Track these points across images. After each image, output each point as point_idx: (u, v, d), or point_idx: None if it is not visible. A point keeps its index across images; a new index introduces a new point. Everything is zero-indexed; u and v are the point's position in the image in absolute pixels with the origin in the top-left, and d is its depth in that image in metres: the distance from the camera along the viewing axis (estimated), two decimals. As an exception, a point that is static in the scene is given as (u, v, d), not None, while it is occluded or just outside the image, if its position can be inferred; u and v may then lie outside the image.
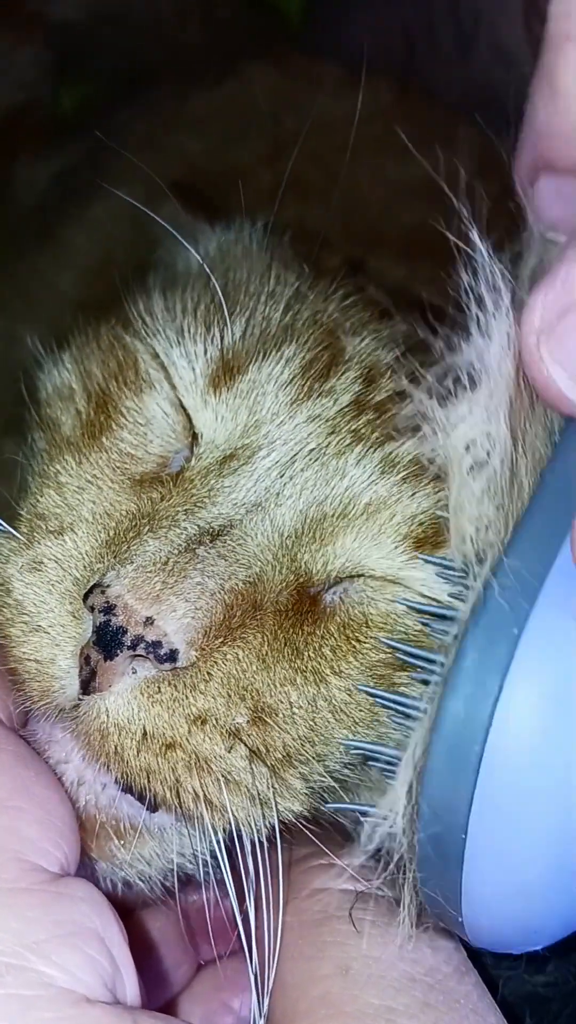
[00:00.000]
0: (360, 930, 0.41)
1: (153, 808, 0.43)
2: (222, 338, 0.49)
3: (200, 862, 0.44)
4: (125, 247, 0.77)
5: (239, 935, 0.43)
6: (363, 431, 0.47)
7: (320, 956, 0.40)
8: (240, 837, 0.42)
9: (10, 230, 0.96)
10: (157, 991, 0.47)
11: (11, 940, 0.34)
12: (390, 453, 0.46)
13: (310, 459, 0.46)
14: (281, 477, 0.45)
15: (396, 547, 0.46)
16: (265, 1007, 0.41)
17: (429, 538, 0.46)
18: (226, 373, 0.48)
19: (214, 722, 0.41)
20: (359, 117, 0.56)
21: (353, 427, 0.47)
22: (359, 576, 0.46)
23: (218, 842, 0.42)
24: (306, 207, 0.65)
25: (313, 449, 0.46)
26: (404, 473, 0.46)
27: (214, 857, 0.43)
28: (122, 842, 0.43)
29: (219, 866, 0.43)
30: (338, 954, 0.40)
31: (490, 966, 0.47)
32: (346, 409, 0.47)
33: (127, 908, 0.46)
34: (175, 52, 1.04)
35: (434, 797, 0.36)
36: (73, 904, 0.36)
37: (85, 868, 0.43)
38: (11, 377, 0.57)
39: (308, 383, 0.48)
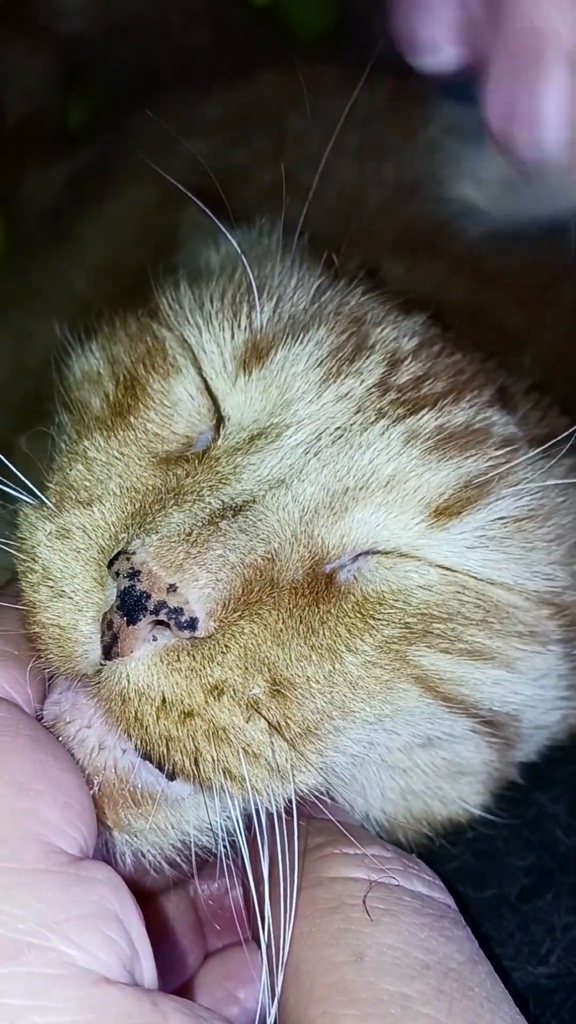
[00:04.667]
0: (373, 918, 0.41)
1: (171, 776, 0.43)
2: (251, 321, 0.50)
3: (216, 835, 0.45)
4: (136, 247, 0.78)
5: (247, 925, 0.43)
6: (387, 409, 0.48)
7: (334, 943, 0.40)
8: (257, 812, 0.43)
9: (24, 231, 0.97)
10: (170, 977, 0.47)
11: (32, 920, 0.35)
12: (413, 425, 0.48)
13: (335, 436, 0.47)
14: (307, 454, 0.46)
15: (415, 518, 0.47)
16: (277, 993, 0.41)
17: (451, 507, 0.47)
18: (256, 354, 0.49)
19: (232, 693, 0.42)
20: (357, 117, 0.58)
21: (379, 406, 0.48)
22: (374, 553, 0.47)
23: (235, 814, 0.43)
24: (306, 207, 0.66)
25: (339, 427, 0.47)
26: (428, 444, 0.47)
27: (229, 832, 0.44)
28: (139, 810, 0.44)
29: (235, 841, 0.43)
30: (352, 941, 0.40)
31: (497, 957, 0.47)
32: (372, 388, 0.49)
33: (144, 893, 0.46)
34: (184, 57, 1.05)
35: None
36: (92, 886, 0.37)
37: (101, 837, 0.43)
38: (24, 374, 0.58)
39: (337, 365, 0.49)
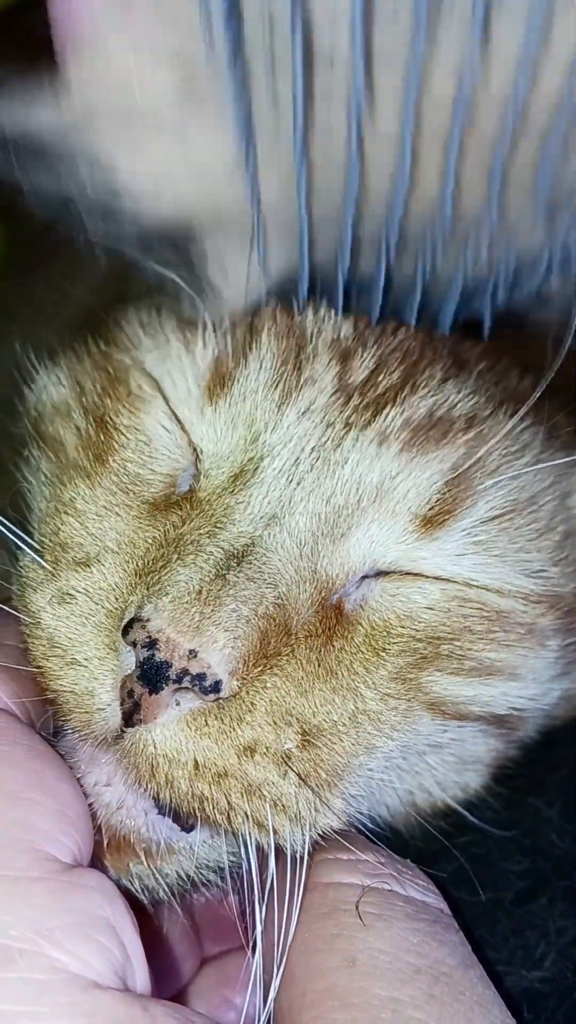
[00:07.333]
0: (366, 923, 0.41)
1: (190, 828, 0.43)
2: (205, 347, 0.49)
3: (225, 872, 0.45)
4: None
5: (243, 931, 0.44)
6: (353, 417, 0.47)
7: (327, 949, 0.41)
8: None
9: (25, 241, 0.96)
10: (165, 984, 0.48)
11: (24, 927, 0.35)
12: (381, 427, 0.47)
13: (313, 458, 0.46)
14: (290, 483, 0.46)
15: (406, 527, 0.46)
16: (271, 999, 0.41)
17: (437, 514, 0.46)
18: (219, 381, 0.48)
19: (264, 750, 0.42)
20: None
21: (345, 415, 0.47)
22: (377, 576, 0.46)
23: (251, 853, 0.43)
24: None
25: (314, 447, 0.46)
26: (400, 443, 0.47)
27: (238, 866, 0.44)
28: (151, 862, 0.44)
29: (241, 873, 0.44)
30: (345, 946, 0.40)
31: (491, 961, 0.47)
32: (332, 397, 0.47)
33: (139, 901, 0.46)
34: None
35: None
36: (85, 893, 0.37)
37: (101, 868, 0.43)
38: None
39: (286, 379, 0.48)
